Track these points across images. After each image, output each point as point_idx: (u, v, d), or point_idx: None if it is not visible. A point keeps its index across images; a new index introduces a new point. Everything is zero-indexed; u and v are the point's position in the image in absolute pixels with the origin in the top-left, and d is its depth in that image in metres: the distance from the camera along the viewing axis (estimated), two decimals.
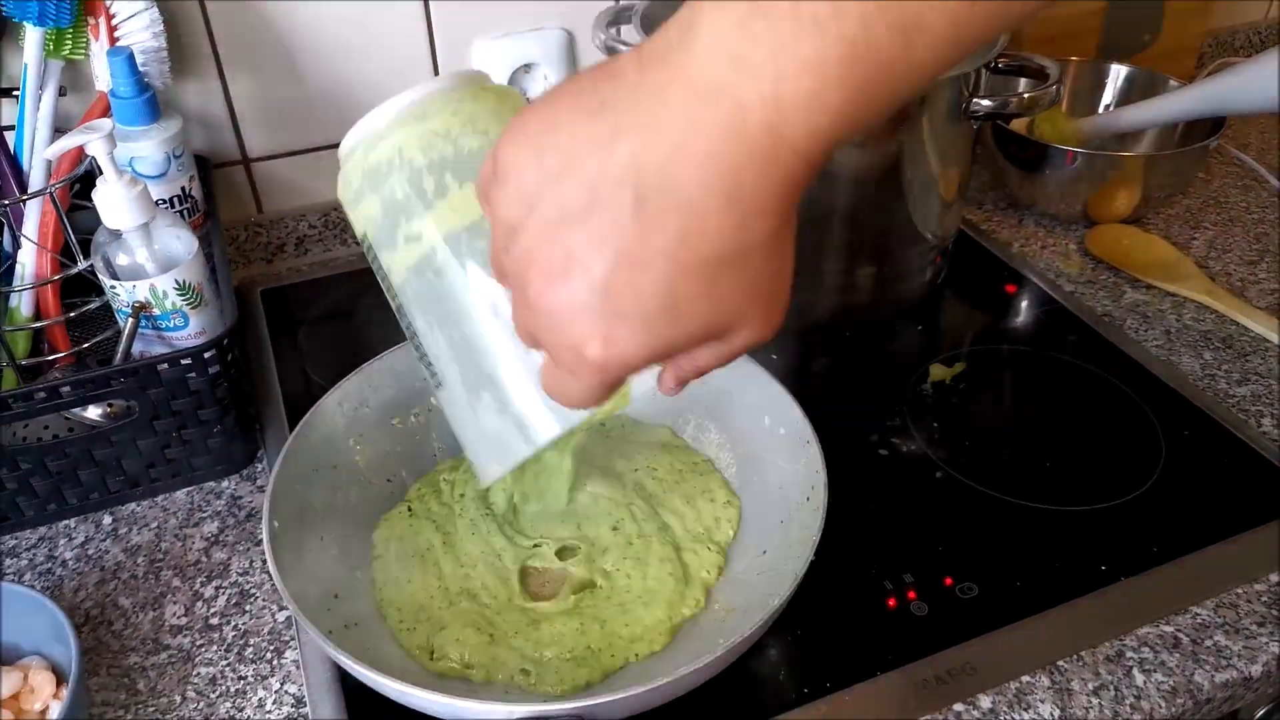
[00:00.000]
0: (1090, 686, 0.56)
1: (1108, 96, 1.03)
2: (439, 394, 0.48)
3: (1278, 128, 1.15)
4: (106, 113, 0.73)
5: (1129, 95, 1.01)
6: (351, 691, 0.56)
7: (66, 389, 0.61)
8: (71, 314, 0.72)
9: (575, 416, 0.42)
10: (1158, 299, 0.87)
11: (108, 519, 0.67)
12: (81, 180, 0.78)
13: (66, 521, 0.67)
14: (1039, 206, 0.97)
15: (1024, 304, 0.87)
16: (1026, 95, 0.75)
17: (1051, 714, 0.55)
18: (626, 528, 0.62)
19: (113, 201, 0.64)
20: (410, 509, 0.65)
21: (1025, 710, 0.55)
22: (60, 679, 0.54)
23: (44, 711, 0.53)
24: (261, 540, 0.65)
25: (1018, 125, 0.97)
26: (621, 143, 0.31)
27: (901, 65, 0.30)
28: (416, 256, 0.44)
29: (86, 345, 0.75)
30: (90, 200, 0.75)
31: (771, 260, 0.33)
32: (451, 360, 0.45)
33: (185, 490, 0.69)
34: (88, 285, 0.75)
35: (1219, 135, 0.91)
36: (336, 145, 0.47)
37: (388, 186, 0.45)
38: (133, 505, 0.68)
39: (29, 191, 0.71)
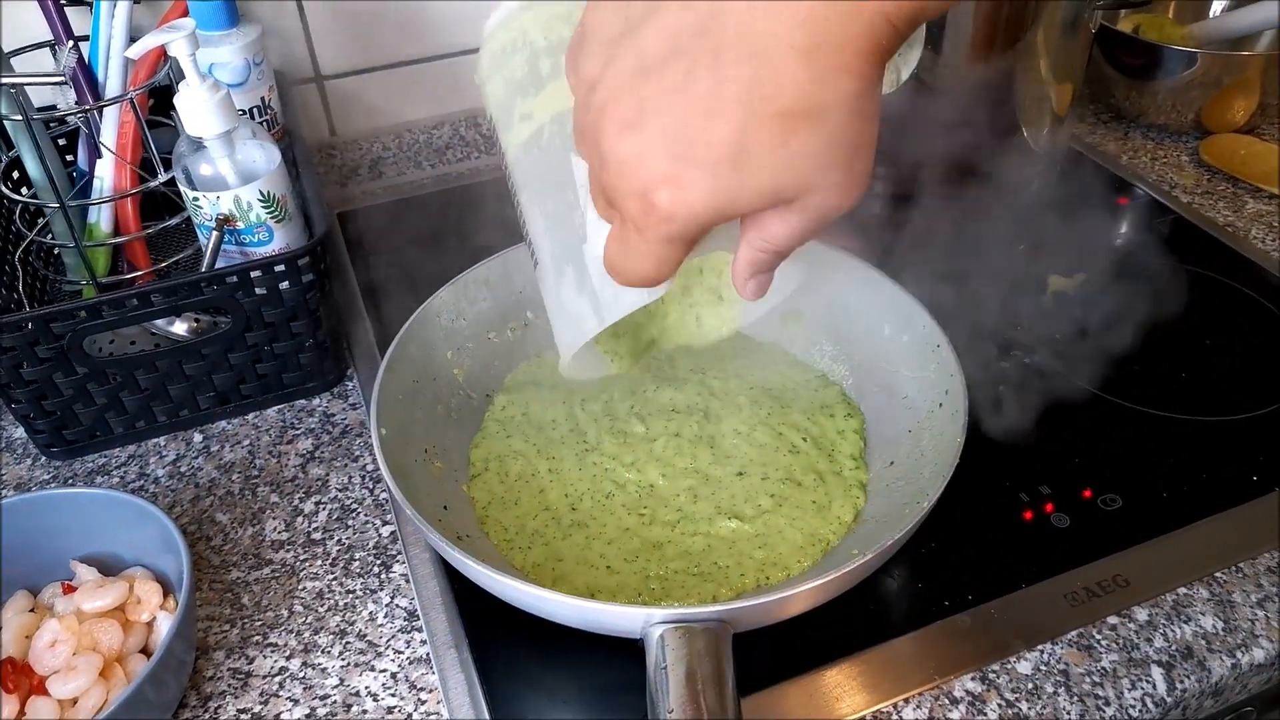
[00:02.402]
0: (1254, 598, 0.52)
1: (1218, 1, 0.97)
2: (537, 273, 0.46)
3: None
4: (184, 16, 0.69)
5: None
6: (465, 604, 0.53)
7: (158, 296, 0.58)
8: (151, 230, 0.70)
9: (641, 296, 0.40)
10: None
11: (198, 436, 0.65)
12: (155, 96, 0.75)
13: (156, 439, 0.65)
14: (1147, 117, 0.91)
15: (1140, 216, 0.82)
16: None
17: (1215, 626, 0.51)
18: (753, 468, 0.58)
19: (195, 106, 0.61)
20: (506, 430, 0.62)
21: (1186, 623, 0.51)
22: (166, 590, 0.51)
23: (151, 622, 0.51)
24: (359, 457, 0.63)
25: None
26: None
27: None
28: (526, 135, 0.44)
29: (165, 264, 0.73)
30: (165, 117, 0.73)
31: (851, 123, 0.31)
32: (544, 235, 0.44)
33: (276, 408, 0.66)
34: (161, 209, 0.73)
35: None
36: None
37: (509, 67, 0.45)
38: (223, 423, 0.66)
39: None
